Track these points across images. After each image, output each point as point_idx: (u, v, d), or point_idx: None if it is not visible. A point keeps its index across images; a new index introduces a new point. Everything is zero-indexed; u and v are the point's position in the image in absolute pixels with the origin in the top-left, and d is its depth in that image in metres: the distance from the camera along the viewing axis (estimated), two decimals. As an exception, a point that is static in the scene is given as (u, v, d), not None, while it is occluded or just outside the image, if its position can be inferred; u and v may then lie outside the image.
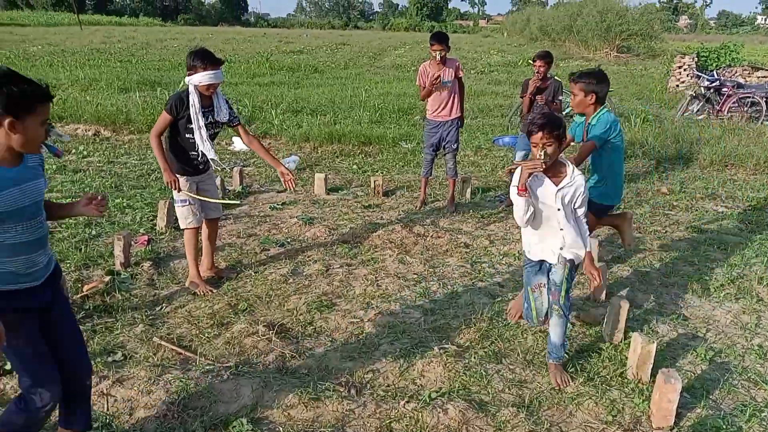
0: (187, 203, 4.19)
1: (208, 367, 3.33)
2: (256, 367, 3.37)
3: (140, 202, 6.28)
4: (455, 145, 6.31)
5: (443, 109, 6.15)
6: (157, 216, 5.65)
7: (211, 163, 4.26)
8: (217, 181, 6.45)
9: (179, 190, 4.11)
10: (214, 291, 4.30)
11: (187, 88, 3.93)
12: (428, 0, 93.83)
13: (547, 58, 6.22)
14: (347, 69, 20.57)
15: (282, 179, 4.32)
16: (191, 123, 3.96)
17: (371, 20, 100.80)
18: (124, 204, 6.19)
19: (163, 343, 3.58)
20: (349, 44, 30.78)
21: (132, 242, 4.92)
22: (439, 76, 5.93)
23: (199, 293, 4.26)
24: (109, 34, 32.22)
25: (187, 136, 4.03)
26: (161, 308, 4.07)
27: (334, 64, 21.71)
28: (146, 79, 14.92)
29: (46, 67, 17.38)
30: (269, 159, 4.44)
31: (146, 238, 5.21)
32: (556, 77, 6.42)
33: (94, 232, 5.38)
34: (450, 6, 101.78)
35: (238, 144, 9.17)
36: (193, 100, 3.90)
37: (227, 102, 4.23)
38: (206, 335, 3.72)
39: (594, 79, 4.04)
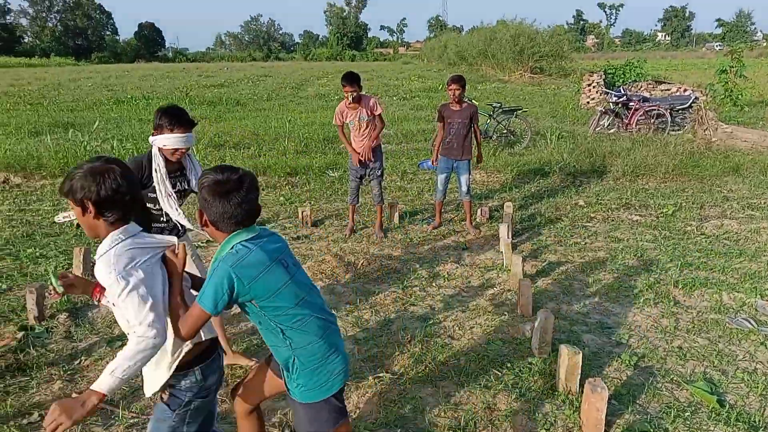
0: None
1: (132, 421, 3.17)
2: (185, 415, 3.23)
3: (54, 251, 5.97)
4: (379, 172, 6.38)
5: (362, 144, 6.24)
6: (72, 264, 5.38)
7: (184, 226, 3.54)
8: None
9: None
10: None
11: (150, 151, 3.31)
12: (348, 30, 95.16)
13: (460, 81, 6.38)
14: (270, 100, 20.47)
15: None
16: (154, 192, 3.28)
17: (293, 51, 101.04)
18: (37, 254, 5.87)
19: (83, 398, 3.38)
20: (271, 76, 30.70)
21: (46, 294, 4.66)
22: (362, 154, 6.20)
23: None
24: (18, 77, 30.82)
25: (149, 206, 3.13)
26: (80, 362, 3.86)
27: (257, 96, 21.56)
28: (59, 121, 14.33)
29: (-53, 114, 16.43)
30: None
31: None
32: (472, 101, 6.61)
33: (4, 286, 5.07)
34: (370, 35, 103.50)
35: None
36: (158, 164, 3.25)
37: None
38: (129, 386, 3.54)
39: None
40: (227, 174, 2.11)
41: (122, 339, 4.14)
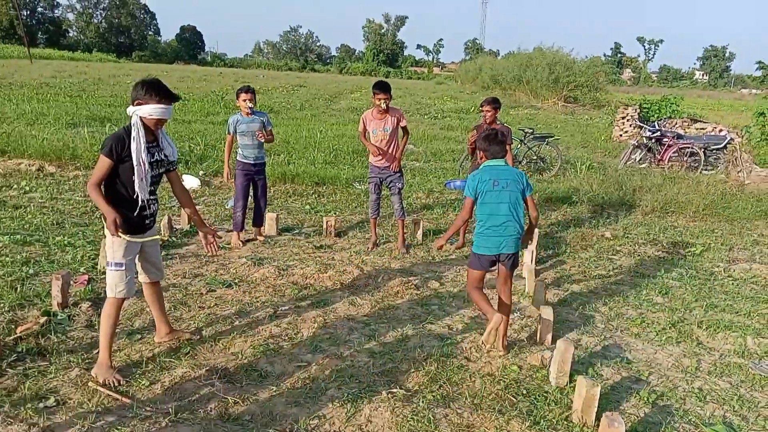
0: (123, 268, 3.52)
1: (145, 414, 3.19)
2: (197, 414, 3.25)
3: (82, 240, 6.08)
4: (399, 185, 6.43)
5: (384, 159, 6.27)
6: (98, 255, 5.47)
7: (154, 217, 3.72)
8: (164, 220, 6.35)
9: (118, 234, 3.35)
10: (123, 382, 3.51)
11: (128, 124, 3.43)
12: (384, 46, 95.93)
13: (494, 103, 6.39)
14: (303, 110, 20.69)
15: (203, 241, 3.88)
16: (129, 163, 3.40)
17: (328, 64, 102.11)
18: (65, 242, 5.98)
19: (99, 388, 3.41)
20: (306, 86, 31.04)
21: (71, 282, 4.74)
22: (382, 152, 6.19)
23: (103, 387, 3.43)
24: (60, 69, 31.62)
25: (133, 179, 3.42)
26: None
27: (290, 105, 21.81)
28: (96, 115, 14.67)
29: (-10, 100, 16.89)
30: (195, 216, 3.93)
31: (86, 277, 5.03)
32: (504, 123, 6.60)
33: (31, 271, 5.16)
34: (405, 53, 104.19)
35: (188, 182, 9.04)
36: (138, 134, 3.37)
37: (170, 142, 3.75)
38: (145, 380, 3.57)
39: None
40: (492, 131, 4.27)
41: (141, 332, 4.19)
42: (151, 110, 3.40)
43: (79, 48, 72.09)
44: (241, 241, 6.44)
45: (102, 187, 3.40)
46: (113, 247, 3.51)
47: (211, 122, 15.47)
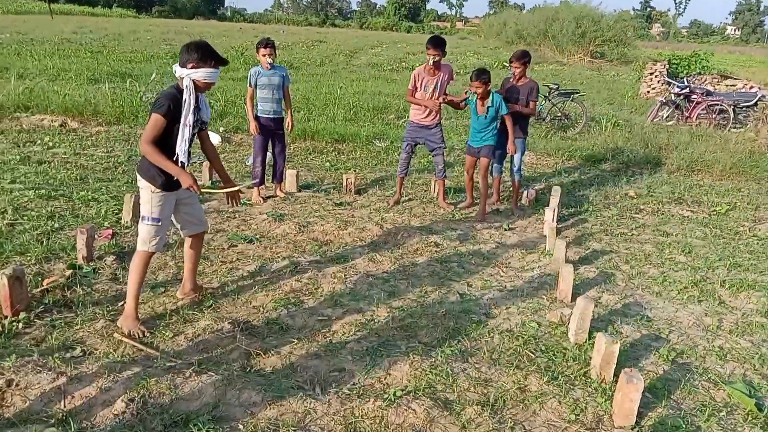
0: (159, 223, 3.62)
1: (169, 365, 3.27)
2: (220, 365, 3.31)
3: (105, 195, 6.15)
4: (442, 145, 6.36)
5: (428, 115, 6.21)
6: (122, 209, 5.53)
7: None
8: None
9: (200, 192, 3.55)
10: (147, 333, 3.60)
11: (177, 84, 3.51)
12: (406, 0, 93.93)
13: (523, 58, 6.25)
14: (323, 66, 20.48)
15: (226, 198, 3.95)
16: (178, 123, 3.49)
17: (349, 18, 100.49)
18: (89, 197, 6.05)
19: (123, 339, 3.50)
20: (326, 42, 30.64)
21: (95, 236, 4.81)
22: (466, 100, 6.20)
23: (128, 338, 3.51)
24: (81, 24, 31.56)
25: (175, 138, 3.51)
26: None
27: (310, 61, 21.59)
28: (117, 71, 14.68)
29: (13, 56, 16.97)
30: (222, 172, 4.04)
31: (110, 231, 5.11)
32: (532, 79, 6.45)
33: (56, 225, 5.25)
34: (428, 7, 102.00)
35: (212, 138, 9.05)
36: (190, 96, 3.45)
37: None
38: (169, 332, 3.64)
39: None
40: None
41: (164, 285, 4.26)
42: (205, 74, 3.47)
43: (99, 3, 71.70)
44: (262, 197, 6.47)
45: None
46: (151, 202, 3.58)
47: (231, 78, 15.40)
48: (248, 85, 6.30)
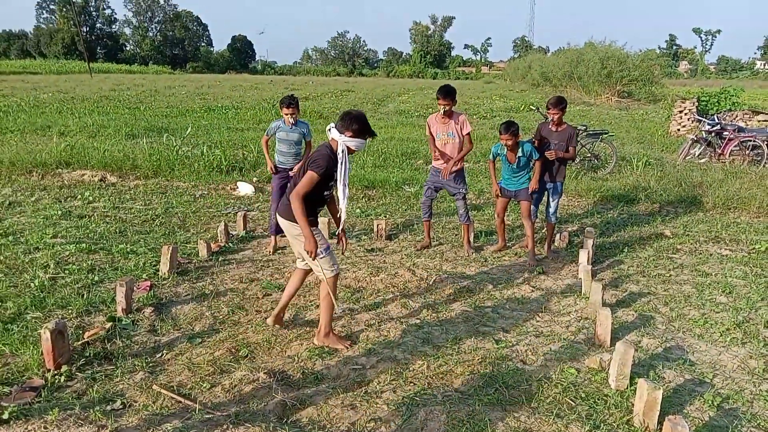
0: (330, 248, 4.13)
1: (207, 416, 3.28)
2: (256, 416, 3.32)
3: (143, 248, 6.30)
4: (463, 190, 6.38)
5: (448, 161, 6.27)
6: (160, 261, 5.65)
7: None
8: (221, 227, 6.52)
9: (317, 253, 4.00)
10: (352, 344, 4.24)
11: (332, 146, 3.98)
12: (432, 48, 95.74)
13: (560, 104, 6.23)
14: (351, 115, 20.84)
15: (339, 242, 4.37)
16: (330, 180, 4.04)
17: (376, 68, 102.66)
18: (128, 249, 6.20)
19: (162, 390, 3.53)
20: (354, 90, 31.30)
21: (134, 288, 4.92)
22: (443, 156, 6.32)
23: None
24: (118, 82, 32.87)
25: (325, 192, 4.11)
26: (162, 355, 4.04)
27: (339, 110, 22.00)
28: (154, 126, 15.16)
29: (55, 114, 17.70)
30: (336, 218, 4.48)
31: (149, 283, 5.21)
32: (570, 124, 6.47)
33: (96, 278, 5.38)
34: (453, 54, 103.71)
35: (243, 188, 9.25)
36: (345, 159, 3.96)
37: None
38: (206, 383, 3.67)
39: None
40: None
41: (201, 336, 4.31)
42: (358, 144, 4.05)
43: (136, 61, 74.76)
44: (275, 247, 6.46)
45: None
46: (319, 237, 4.05)
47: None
48: (265, 134, 6.43)
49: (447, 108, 6.07)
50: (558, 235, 6.96)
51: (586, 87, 28.61)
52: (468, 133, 6.23)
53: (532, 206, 6.43)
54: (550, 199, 6.47)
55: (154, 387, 3.58)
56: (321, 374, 3.83)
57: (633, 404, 3.38)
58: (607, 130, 12.71)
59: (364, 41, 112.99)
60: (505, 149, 6.19)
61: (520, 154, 6.15)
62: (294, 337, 4.33)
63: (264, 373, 3.76)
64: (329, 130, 4.02)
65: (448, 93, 6.06)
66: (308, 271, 4.45)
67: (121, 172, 10.13)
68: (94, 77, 37.37)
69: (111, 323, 4.39)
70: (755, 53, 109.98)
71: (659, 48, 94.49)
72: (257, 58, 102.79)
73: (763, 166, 11.62)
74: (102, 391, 3.54)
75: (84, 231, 6.91)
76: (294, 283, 4.47)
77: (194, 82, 35.56)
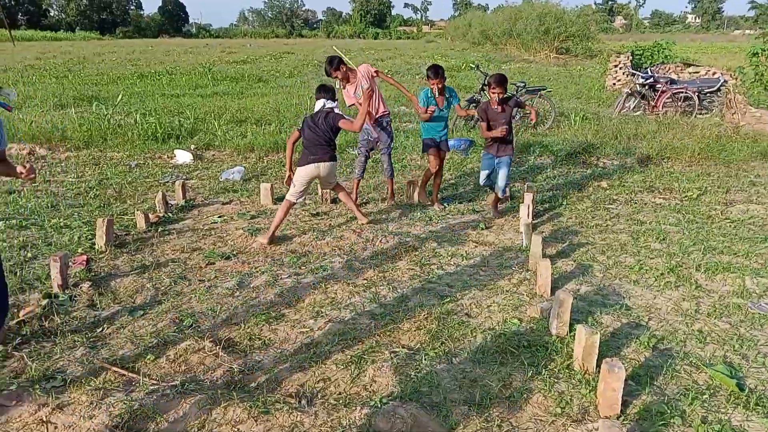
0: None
1: (152, 387, 3.23)
2: (203, 384, 3.29)
3: (78, 221, 6.07)
4: (390, 145, 6.83)
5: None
6: (95, 235, 5.46)
7: None
8: (158, 196, 6.34)
9: None
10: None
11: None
12: (372, 7, 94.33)
13: (504, 83, 6.09)
14: (292, 77, 20.44)
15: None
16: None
17: (315, 28, 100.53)
18: (61, 224, 5.97)
19: (104, 365, 3.45)
20: (294, 52, 30.61)
21: (70, 263, 4.75)
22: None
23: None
24: (44, 50, 31.13)
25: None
26: (102, 329, 3.93)
27: (279, 73, 21.53)
28: (83, 95, 14.50)
29: (-25, 86, 16.67)
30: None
31: (85, 257, 5.03)
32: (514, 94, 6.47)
33: (29, 255, 5.17)
34: (393, 13, 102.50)
35: (181, 156, 8.98)
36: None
37: None
38: (151, 355, 3.60)
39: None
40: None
41: (143, 308, 4.22)
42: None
43: (62, 27, 70.85)
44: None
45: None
46: None
47: (200, 95, 15.31)
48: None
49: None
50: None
51: (525, 44, 28.85)
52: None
53: (499, 182, 6.33)
54: (501, 172, 6.36)
55: (96, 362, 3.49)
56: (269, 339, 3.81)
57: (573, 349, 3.51)
58: (545, 86, 12.88)
59: (302, 1, 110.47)
60: (436, 93, 6.49)
61: (447, 95, 6.61)
62: (239, 304, 4.29)
63: (210, 341, 3.71)
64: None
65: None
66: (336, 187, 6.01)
67: (50, 144, 9.67)
68: (17, 45, 35.26)
69: (47, 300, 4.23)
70: (686, 7, 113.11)
71: (595, 4, 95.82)
72: (191, 21, 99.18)
73: (695, 116, 12.05)
74: (41, 369, 3.43)
75: (14, 207, 6.60)
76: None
77: (125, 48, 34.05)
